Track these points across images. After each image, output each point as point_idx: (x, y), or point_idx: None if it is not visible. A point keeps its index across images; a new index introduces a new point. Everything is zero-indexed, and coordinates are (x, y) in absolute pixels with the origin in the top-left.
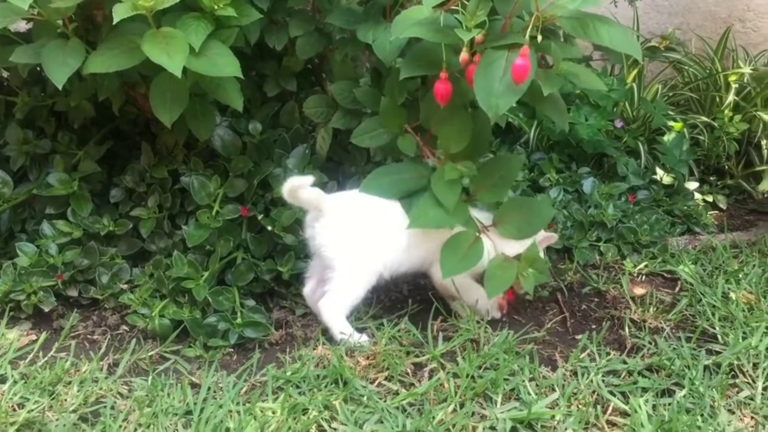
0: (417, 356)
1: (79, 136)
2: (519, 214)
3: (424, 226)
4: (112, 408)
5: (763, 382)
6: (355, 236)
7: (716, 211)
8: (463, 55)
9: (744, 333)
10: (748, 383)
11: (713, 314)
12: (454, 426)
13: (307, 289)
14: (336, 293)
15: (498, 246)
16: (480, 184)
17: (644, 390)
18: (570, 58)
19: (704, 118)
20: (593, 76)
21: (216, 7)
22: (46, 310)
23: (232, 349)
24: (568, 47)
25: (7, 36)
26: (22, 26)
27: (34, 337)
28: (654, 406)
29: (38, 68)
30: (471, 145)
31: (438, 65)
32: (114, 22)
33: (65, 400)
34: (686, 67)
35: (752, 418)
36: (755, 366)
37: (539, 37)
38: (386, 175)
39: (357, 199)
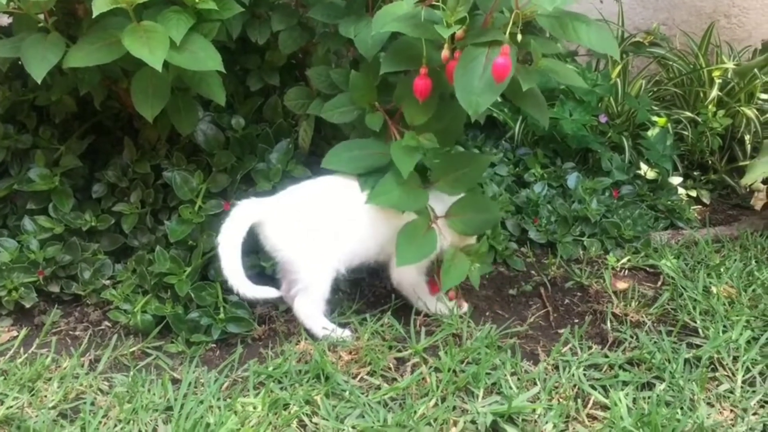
0: (399, 351)
1: (60, 131)
2: (470, 212)
3: (382, 203)
4: (92, 404)
5: (743, 376)
6: (300, 234)
7: (699, 206)
8: (444, 52)
9: (724, 326)
10: (728, 376)
11: (694, 308)
12: (435, 420)
13: (283, 289)
14: (303, 294)
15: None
16: (442, 174)
17: (625, 383)
18: (551, 54)
19: (688, 114)
20: (572, 72)
21: (197, 0)
22: (28, 306)
23: (214, 345)
24: (548, 43)
25: None
26: (4, 20)
27: (15, 334)
28: (634, 400)
29: (19, 62)
30: (443, 129)
31: (418, 60)
32: (93, 16)
33: (45, 396)
34: (671, 63)
35: (731, 411)
36: (735, 359)
37: (519, 35)
38: (348, 150)
39: (294, 197)
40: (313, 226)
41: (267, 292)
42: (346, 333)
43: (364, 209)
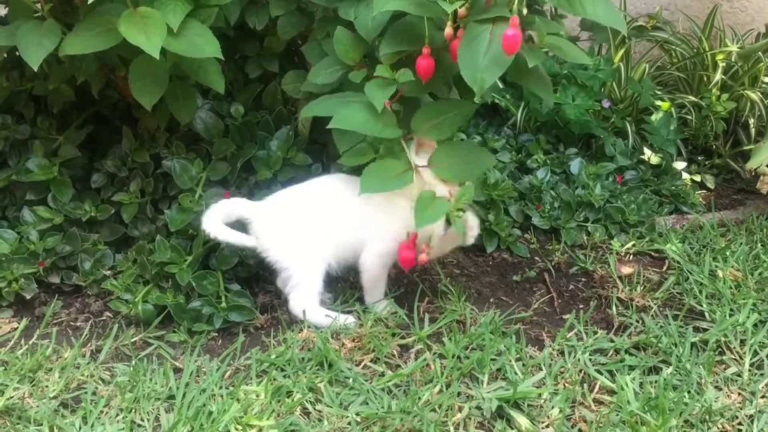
0: (403, 338)
1: (59, 121)
2: (456, 157)
3: (343, 126)
4: (94, 394)
5: (750, 359)
6: (289, 233)
7: (704, 191)
8: (448, 30)
9: (731, 310)
10: (735, 360)
11: (700, 292)
12: (440, 406)
13: (279, 281)
14: (296, 292)
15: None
16: (423, 121)
17: (631, 368)
18: (554, 33)
19: (692, 98)
20: (577, 49)
21: None
22: (28, 297)
23: (216, 334)
24: (552, 23)
25: None
26: (1, 11)
27: (15, 325)
28: (641, 384)
29: (16, 52)
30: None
31: (420, 40)
32: (90, 2)
33: (46, 386)
34: (673, 47)
35: (739, 394)
36: (742, 342)
37: (524, 10)
38: (325, 100)
39: (282, 198)
40: (301, 224)
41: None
42: (350, 320)
43: (352, 203)
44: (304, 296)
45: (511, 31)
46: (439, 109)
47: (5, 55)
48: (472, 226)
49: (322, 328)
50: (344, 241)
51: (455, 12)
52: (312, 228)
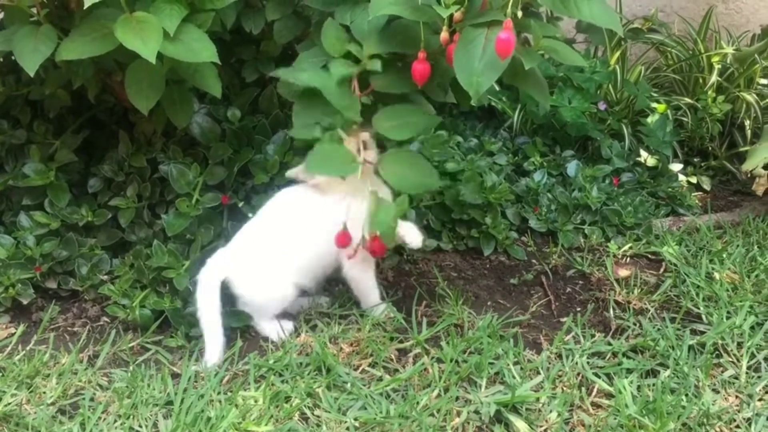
0: (401, 342)
1: (55, 126)
2: (405, 167)
3: (319, 86)
4: (92, 400)
5: (748, 361)
6: (255, 274)
7: (700, 193)
8: (443, 34)
9: (728, 312)
10: (733, 362)
11: (697, 294)
12: (438, 411)
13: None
14: (260, 321)
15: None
16: (386, 119)
17: (629, 371)
18: (550, 36)
19: (687, 100)
20: (573, 52)
21: None
22: (25, 302)
23: None
24: (548, 26)
25: None
26: None
27: (12, 330)
28: (639, 387)
29: (12, 57)
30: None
31: (414, 42)
32: (86, 6)
33: (43, 392)
34: (669, 49)
35: (737, 397)
36: (739, 345)
37: (519, 14)
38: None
39: (241, 238)
40: (266, 256)
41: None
42: (289, 326)
43: (317, 219)
44: (258, 316)
45: (505, 35)
46: (406, 113)
47: (1, 59)
48: (411, 239)
49: (271, 338)
50: (316, 257)
51: (451, 16)
52: (273, 259)
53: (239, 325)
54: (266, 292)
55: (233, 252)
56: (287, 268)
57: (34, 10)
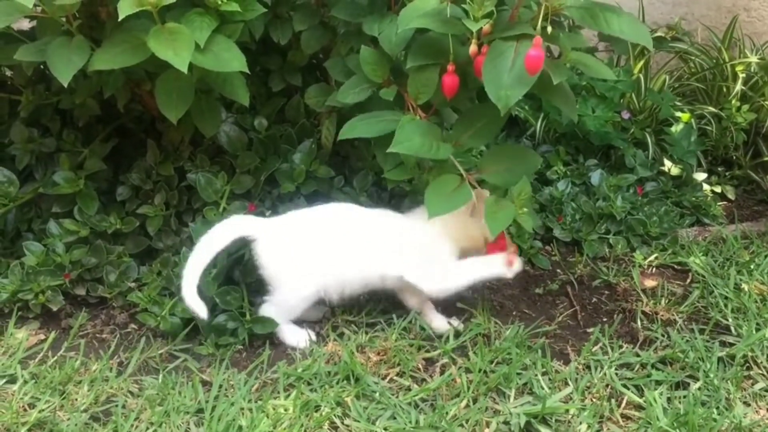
0: (428, 351)
1: (84, 134)
2: (503, 161)
3: (403, 150)
4: (124, 407)
5: None
6: (288, 258)
7: (725, 202)
8: (472, 47)
9: (757, 324)
10: (763, 375)
11: (726, 306)
12: (467, 421)
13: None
14: (270, 306)
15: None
16: (462, 131)
17: (658, 383)
18: (578, 48)
19: (711, 109)
20: (602, 65)
21: (220, 2)
22: (54, 309)
23: (242, 347)
24: (575, 37)
25: (11, 34)
26: (25, 24)
27: (42, 337)
28: (669, 399)
29: (42, 66)
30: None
31: (444, 54)
32: (120, 19)
33: (76, 399)
34: (693, 57)
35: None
36: None
37: (549, 29)
38: (362, 119)
39: (290, 221)
40: (304, 250)
41: (200, 310)
42: (312, 335)
43: (363, 237)
44: (275, 313)
45: (534, 52)
46: (472, 116)
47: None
48: (437, 325)
49: (289, 345)
50: (360, 275)
51: (479, 29)
52: (315, 257)
53: (263, 332)
54: (293, 282)
55: (278, 224)
56: (326, 273)
57: (65, 20)
